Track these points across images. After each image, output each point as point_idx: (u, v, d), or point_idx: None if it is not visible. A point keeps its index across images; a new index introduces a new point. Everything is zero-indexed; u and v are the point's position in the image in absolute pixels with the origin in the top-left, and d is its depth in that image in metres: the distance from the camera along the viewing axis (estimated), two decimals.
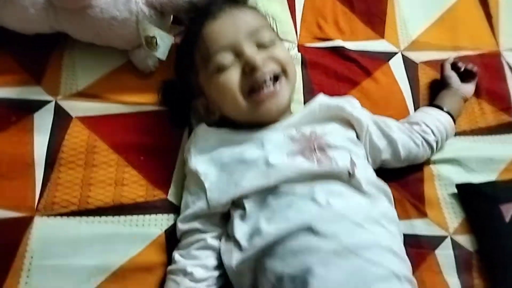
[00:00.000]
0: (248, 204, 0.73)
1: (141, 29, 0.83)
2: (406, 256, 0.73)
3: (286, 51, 0.85)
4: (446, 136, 0.91)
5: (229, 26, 0.79)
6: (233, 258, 0.71)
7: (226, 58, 0.77)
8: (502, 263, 0.82)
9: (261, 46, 0.79)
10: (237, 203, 0.75)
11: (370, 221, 0.70)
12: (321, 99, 0.86)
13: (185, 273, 0.73)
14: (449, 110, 0.93)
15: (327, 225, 0.68)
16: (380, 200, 0.76)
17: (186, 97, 0.86)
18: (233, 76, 0.77)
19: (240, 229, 0.73)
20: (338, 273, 0.65)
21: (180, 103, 0.88)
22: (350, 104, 0.85)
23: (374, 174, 0.80)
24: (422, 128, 0.89)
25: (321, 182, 0.73)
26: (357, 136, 0.83)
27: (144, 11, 0.83)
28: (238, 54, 0.77)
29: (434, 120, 0.90)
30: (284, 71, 0.80)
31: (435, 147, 0.90)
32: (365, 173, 0.76)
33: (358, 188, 0.74)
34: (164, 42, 0.84)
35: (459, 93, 0.96)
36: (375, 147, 0.84)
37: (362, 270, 0.65)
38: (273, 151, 0.75)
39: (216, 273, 0.74)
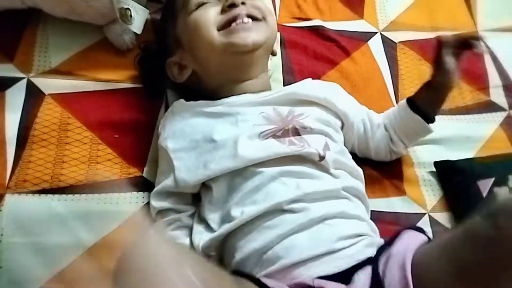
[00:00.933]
0: (216, 188, 0.72)
1: (115, 0, 0.81)
2: (374, 225, 0.74)
3: (267, 5, 0.84)
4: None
5: None
6: (201, 239, 0.71)
7: None
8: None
9: None
10: (207, 185, 0.74)
11: (337, 195, 0.71)
12: (309, 83, 0.85)
13: None
14: (435, 115, 0.84)
15: (297, 204, 0.68)
16: (347, 178, 0.75)
17: (162, 58, 0.84)
18: (210, 12, 0.77)
19: (211, 213, 0.72)
20: (303, 237, 0.66)
21: (155, 68, 0.86)
22: (338, 94, 0.84)
23: (349, 159, 0.79)
24: (401, 145, 0.86)
25: (290, 164, 0.71)
26: (342, 125, 0.83)
27: None
28: None
29: (414, 135, 0.86)
30: (264, 19, 0.79)
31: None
32: (337, 157, 0.75)
33: (326, 170, 0.73)
34: (139, 15, 0.83)
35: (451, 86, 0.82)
36: (353, 144, 0.85)
37: (327, 232, 0.67)
38: (245, 131, 0.73)
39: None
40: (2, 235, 0.72)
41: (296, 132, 0.74)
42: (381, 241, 0.70)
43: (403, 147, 0.87)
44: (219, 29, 0.76)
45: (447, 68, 0.78)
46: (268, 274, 0.64)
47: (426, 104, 0.83)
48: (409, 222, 0.85)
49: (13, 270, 0.71)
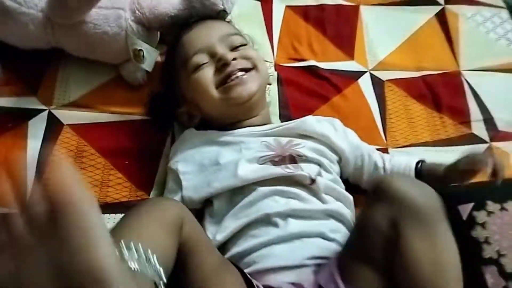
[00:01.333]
0: (217, 203, 0.80)
1: (130, 43, 0.92)
2: None
3: (257, 52, 0.93)
4: None
5: (204, 32, 0.89)
6: None
7: (202, 58, 0.87)
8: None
9: (233, 48, 0.89)
10: (210, 201, 0.82)
11: (320, 217, 0.78)
12: (309, 123, 0.90)
13: None
14: None
15: (281, 218, 0.76)
16: (335, 204, 0.82)
17: (170, 107, 0.94)
18: (207, 73, 0.86)
19: (210, 226, 0.80)
20: (281, 248, 0.73)
21: (163, 112, 0.95)
22: (335, 130, 0.91)
23: (342, 187, 0.86)
24: None
25: (283, 185, 0.79)
26: (340, 159, 0.90)
27: (133, 27, 0.92)
28: (212, 55, 0.87)
29: None
30: (255, 67, 0.88)
31: None
32: (328, 183, 0.82)
33: (316, 194, 0.80)
34: (150, 55, 0.93)
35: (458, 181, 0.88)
36: (349, 175, 0.92)
37: (302, 247, 0.73)
38: (247, 156, 0.82)
39: None
40: None
41: (293, 159, 0.82)
42: None
43: None
44: (217, 87, 0.85)
45: (463, 169, 0.84)
46: None
47: (430, 177, 0.87)
48: None
49: None
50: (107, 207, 0.86)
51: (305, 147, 0.85)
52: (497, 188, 0.95)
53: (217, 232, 0.77)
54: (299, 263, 0.72)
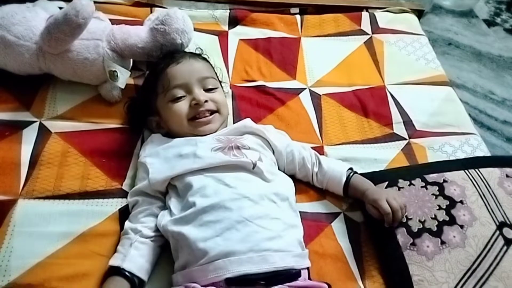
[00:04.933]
0: (179, 185, 0.99)
1: (106, 65, 1.14)
2: (298, 224, 1.00)
3: (224, 96, 1.16)
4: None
5: (186, 71, 1.11)
6: (163, 220, 0.96)
7: (180, 93, 1.09)
8: (381, 228, 1.06)
9: (206, 89, 1.12)
10: (173, 185, 1.01)
11: (264, 198, 0.96)
12: (247, 122, 1.15)
13: (136, 231, 0.96)
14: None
15: (233, 202, 0.93)
16: (276, 183, 1.02)
17: (143, 113, 1.16)
18: (182, 106, 1.08)
19: (174, 202, 0.98)
20: (237, 235, 0.90)
21: (138, 115, 1.17)
22: (268, 130, 1.14)
23: (277, 170, 1.08)
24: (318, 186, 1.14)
25: (232, 170, 1.00)
26: (273, 152, 1.12)
27: (109, 53, 1.16)
28: (189, 91, 1.09)
29: (331, 189, 1.12)
30: (219, 110, 1.11)
31: None
32: (268, 166, 1.03)
33: (260, 175, 1.01)
34: (123, 75, 1.15)
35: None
36: (284, 167, 1.13)
37: (255, 232, 0.90)
38: (202, 147, 1.03)
39: (159, 233, 0.97)
40: (14, 225, 0.97)
41: (238, 148, 1.04)
42: (300, 253, 0.94)
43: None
44: (188, 119, 1.08)
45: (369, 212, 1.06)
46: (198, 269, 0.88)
47: (353, 190, 1.09)
48: (328, 219, 1.09)
49: (21, 250, 0.94)
50: (87, 194, 1.05)
51: (247, 140, 1.07)
52: (407, 170, 1.16)
53: (181, 209, 0.95)
54: (255, 247, 0.88)
